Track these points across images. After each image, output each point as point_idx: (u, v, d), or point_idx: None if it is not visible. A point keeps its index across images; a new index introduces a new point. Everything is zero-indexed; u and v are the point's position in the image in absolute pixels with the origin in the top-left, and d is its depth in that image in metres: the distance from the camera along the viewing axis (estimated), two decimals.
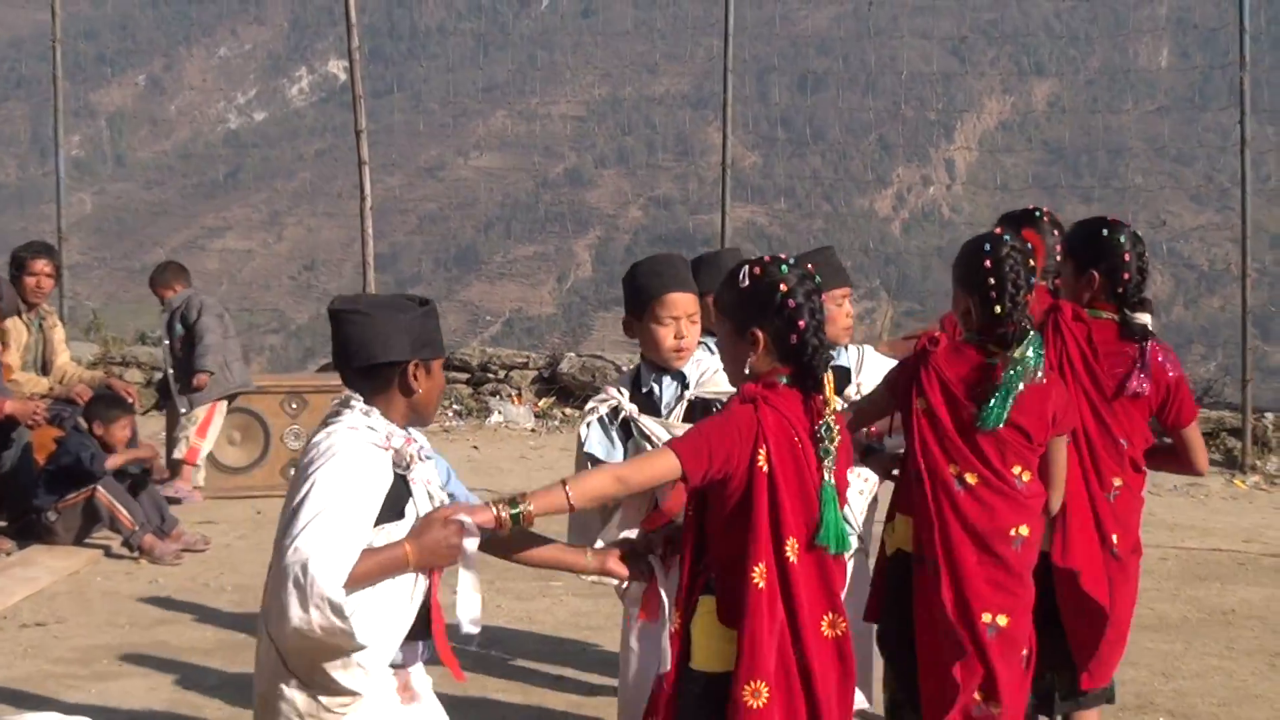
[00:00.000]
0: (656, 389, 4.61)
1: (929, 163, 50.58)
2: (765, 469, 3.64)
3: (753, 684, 3.62)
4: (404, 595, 3.55)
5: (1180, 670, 6.82)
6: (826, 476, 3.71)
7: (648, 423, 4.53)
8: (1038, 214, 5.21)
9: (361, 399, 3.61)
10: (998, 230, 4.52)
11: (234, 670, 6.64)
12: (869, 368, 5.29)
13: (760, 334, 3.73)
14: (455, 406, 13.07)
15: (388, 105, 32.48)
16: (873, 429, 4.68)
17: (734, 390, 3.86)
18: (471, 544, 3.53)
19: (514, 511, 3.55)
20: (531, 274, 49.46)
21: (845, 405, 4.82)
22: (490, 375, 13.52)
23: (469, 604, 3.62)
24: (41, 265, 9.20)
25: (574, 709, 6.27)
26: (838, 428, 3.74)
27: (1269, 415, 11.72)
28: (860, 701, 5.02)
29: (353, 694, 3.48)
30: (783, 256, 3.82)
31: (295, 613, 3.34)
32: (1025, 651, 4.39)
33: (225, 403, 10.09)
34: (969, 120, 50.19)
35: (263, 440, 10.23)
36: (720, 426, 3.67)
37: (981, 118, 52.75)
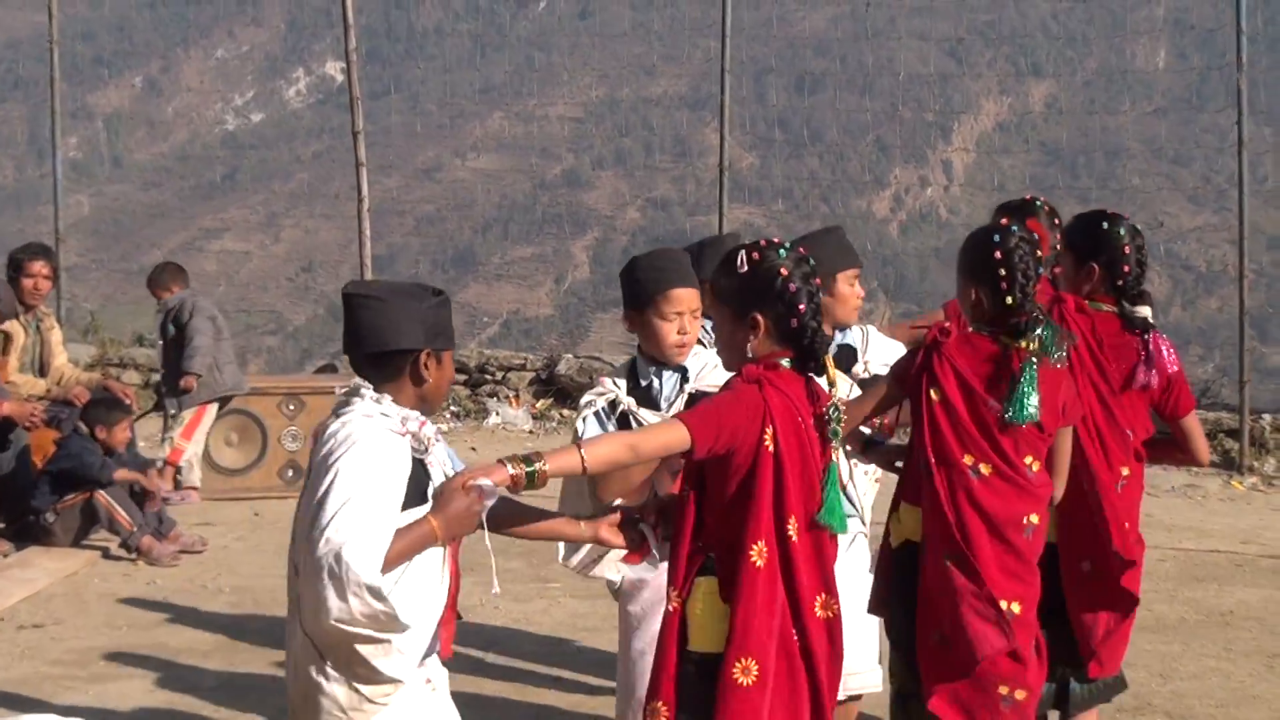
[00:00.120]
0: (656, 382, 4.61)
1: (926, 164, 50.58)
2: (771, 449, 3.66)
3: (743, 661, 3.63)
4: (435, 574, 3.55)
5: (1178, 671, 6.83)
6: (834, 457, 3.74)
7: (646, 416, 4.53)
8: (1038, 203, 5.22)
9: (371, 387, 3.57)
10: (1004, 221, 4.52)
11: (231, 671, 6.65)
12: (874, 347, 5.31)
13: (761, 318, 3.75)
14: (453, 408, 13.07)
15: (385, 107, 32.48)
16: (885, 421, 4.67)
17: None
18: (491, 503, 3.51)
19: (529, 470, 3.53)
20: (529, 275, 49.46)
21: (853, 385, 4.84)
22: (488, 377, 13.52)
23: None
24: (39, 267, 9.19)
25: (573, 709, 6.28)
26: (843, 408, 3.76)
27: (1266, 416, 11.72)
28: (873, 683, 5.03)
29: (394, 682, 3.46)
30: (777, 241, 3.84)
31: (334, 603, 3.30)
32: (1034, 640, 4.41)
33: (215, 406, 10.08)
34: (966, 121, 50.27)
35: (260, 442, 10.22)
36: (730, 403, 3.68)
37: (979, 119, 52.80)
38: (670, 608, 3.74)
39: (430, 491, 3.55)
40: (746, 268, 3.78)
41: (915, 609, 4.35)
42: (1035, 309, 4.32)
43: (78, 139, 40.33)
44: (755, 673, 3.63)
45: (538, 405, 13.17)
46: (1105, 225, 4.90)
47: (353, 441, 3.45)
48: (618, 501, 4.21)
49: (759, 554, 3.65)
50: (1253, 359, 11.96)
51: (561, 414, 12.97)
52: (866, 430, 4.58)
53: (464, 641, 6.45)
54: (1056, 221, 5.17)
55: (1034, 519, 4.34)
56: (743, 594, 3.64)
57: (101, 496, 8.37)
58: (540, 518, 3.89)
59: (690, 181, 33.56)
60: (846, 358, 5.18)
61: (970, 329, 4.38)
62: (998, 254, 4.30)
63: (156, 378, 11.25)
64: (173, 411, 9.94)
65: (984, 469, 4.28)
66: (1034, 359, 4.26)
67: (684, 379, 4.62)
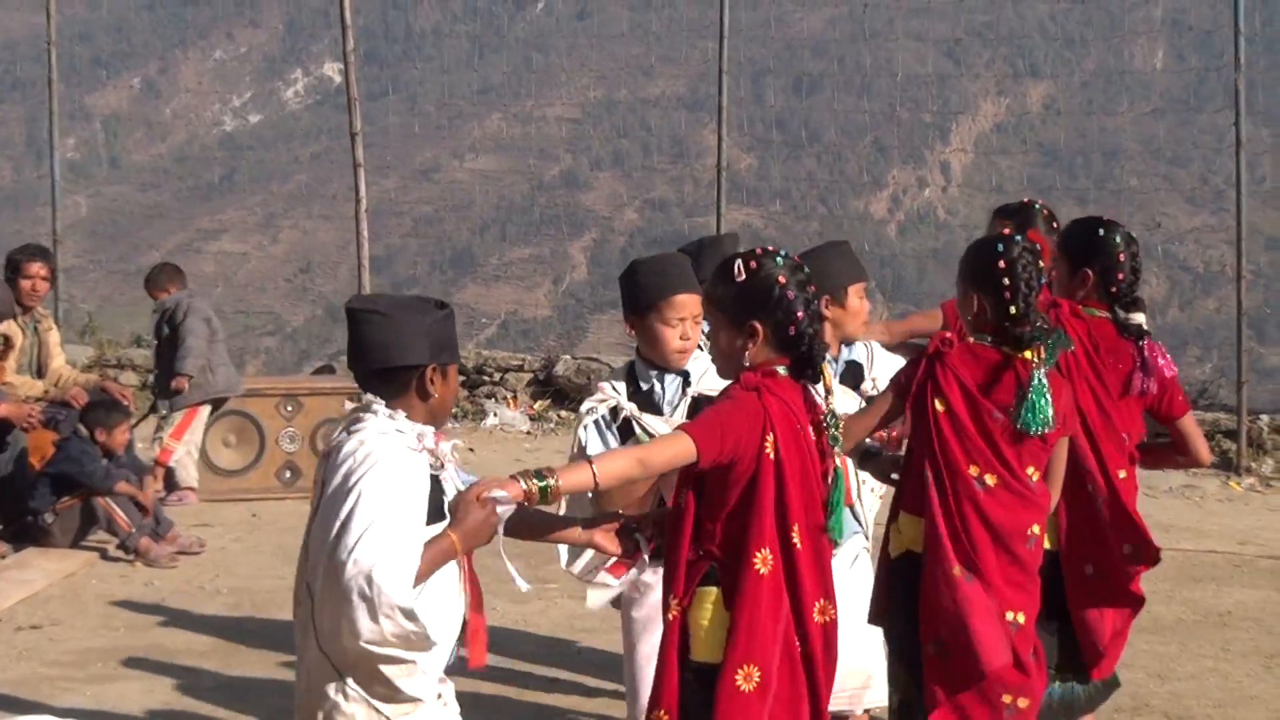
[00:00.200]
0: (658, 386, 4.60)
1: (924, 165, 50.53)
2: (772, 456, 3.67)
3: (746, 668, 3.63)
4: (453, 589, 3.55)
5: (1175, 672, 6.83)
6: (838, 463, 3.75)
7: (650, 421, 4.53)
8: (1036, 206, 5.22)
9: (383, 403, 3.54)
10: (1007, 230, 4.52)
11: (229, 673, 6.65)
12: (879, 362, 5.29)
13: (759, 326, 3.76)
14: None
15: (383, 108, 32.44)
16: (892, 434, 4.67)
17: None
18: (507, 515, 3.51)
19: (542, 485, 3.55)
20: (527, 276, 49.40)
21: (862, 402, 4.84)
22: (485, 378, 13.51)
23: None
24: (36, 268, 9.19)
25: (572, 709, 6.28)
26: (841, 415, 3.77)
27: (1264, 417, 11.72)
28: (879, 699, 5.01)
29: (414, 701, 3.46)
30: (773, 249, 3.85)
31: (366, 626, 3.29)
32: (1033, 648, 4.41)
33: (207, 407, 10.06)
34: (964, 122, 50.21)
35: (258, 443, 10.22)
36: (731, 412, 3.69)
37: (976, 120, 52.74)
38: (670, 616, 3.75)
39: (446, 506, 3.54)
40: (744, 276, 3.78)
41: (917, 619, 4.35)
42: (1039, 318, 4.33)
43: (75, 140, 40.32)
44: (757, 679, 3.63)
45: (535, 406, 13.17)
46: (1101, 232, 4.90)
47: (374, 461, 3.41)
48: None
49: (762, 561, 3.66)
50: (1250, 360, 11.96)
51: (559, 415, 12.96)
52: (869, 442, 4.58)
53: (463, 642, 6.44)
54: (1055, 225, 5.18)
55: (1035, 529, 4.35)
56: (746, 601, 3.65)
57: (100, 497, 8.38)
58: (549, 525, 3.90)
59: (688, 182, 33.58)
60: (853, 375, 5.16)
61: (971, 338, 4.38)
62: (1001, 263, 4.30)
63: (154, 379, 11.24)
64: (164, 412, 9.94)
65: (989, 480, 4.28)
66: (1041, 368, 4.27)
67: (686, 382, 4.62)
